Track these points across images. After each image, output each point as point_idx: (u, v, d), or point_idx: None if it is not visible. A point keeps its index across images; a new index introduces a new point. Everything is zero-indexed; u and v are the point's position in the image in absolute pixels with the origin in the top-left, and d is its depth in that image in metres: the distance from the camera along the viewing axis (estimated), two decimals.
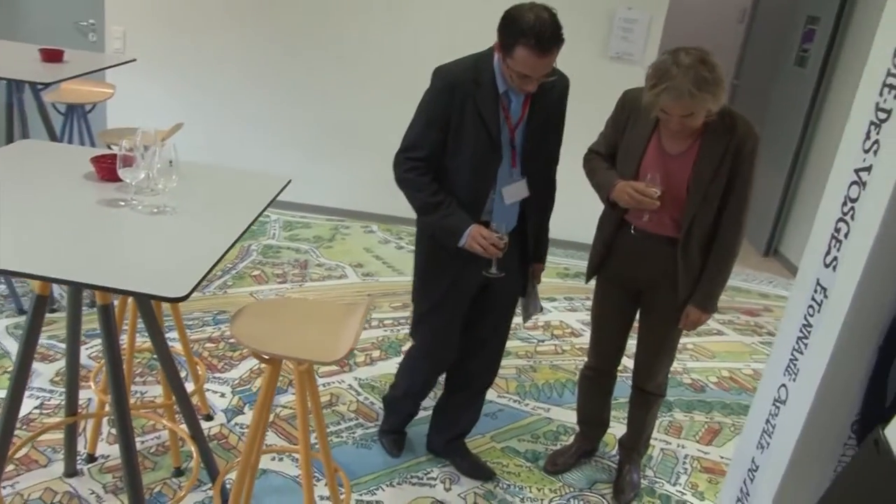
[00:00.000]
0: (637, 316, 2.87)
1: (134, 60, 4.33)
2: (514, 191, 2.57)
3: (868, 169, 1.81)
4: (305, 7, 5.19)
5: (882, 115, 1.78)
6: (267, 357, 2.07)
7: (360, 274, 4.77)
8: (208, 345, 3.69)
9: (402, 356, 3.23)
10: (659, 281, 2.68)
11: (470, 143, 2.46)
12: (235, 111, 5.46)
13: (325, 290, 4.48)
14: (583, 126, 4.89)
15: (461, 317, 2.76)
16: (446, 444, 3.08)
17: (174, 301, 1.56)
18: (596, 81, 5.19)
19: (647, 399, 2.95)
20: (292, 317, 2.21)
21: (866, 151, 1.83)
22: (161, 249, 1.88)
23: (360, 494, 2.84)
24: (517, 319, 2.94)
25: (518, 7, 2.29)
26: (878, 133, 1.79)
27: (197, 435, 2.48)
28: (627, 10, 5.04)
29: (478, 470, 3.05)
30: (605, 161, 2.72)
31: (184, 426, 2.58)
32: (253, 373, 3.51)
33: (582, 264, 5.41)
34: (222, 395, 3.32)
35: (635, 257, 2.70)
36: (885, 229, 1.73)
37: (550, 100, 2.53)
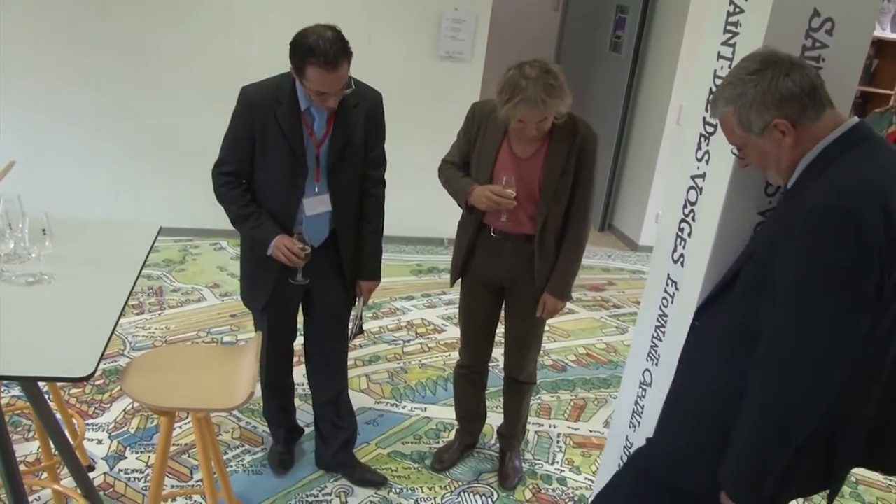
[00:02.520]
0: (502, 311, 3.05)
1: None
2: (314, 203, 2.70)
3: (703, 176, 2.05)
4: (112, 30, 4.99)
5: (710, 129, 2.02)
6: (164, 410, 2.08)
7: (218, 295, 4.72)
8: (74, 390, 3.56)
9: None
10: (520, 276, 2.87)
11: (275, 158, 2.61)
12: (56, 142, 5.17)
13: (185, 316, 4.41)
14: (422, 122, 5.11)
15: (292, 316, 2.95)
16: (334, 457, 3.16)
17: (80, 381, 1.55)
18: (429, 81, 5.39)
19: (519, 388, 3.16)
20: (182, 365, 2.22)
21: (699, 160, 2.06)
22: (48, 323, 1.85)
23: None
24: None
25: (302, 31, 2.44)
26: (707, 144, 2.03)
27: (90, 493, 2.43)
28: (454, 10, 5.22)
29: (369, 478, 3.15)
30: (459, 170, 2.87)
31: (65, 482, 2.51)
32: (127, 414, 3.44)
33: (433, 259, 5.61)
34: (100, 442, 3.23)
35: (497, 256, 2.87)
36: (723, 228, 1.98)
37: (357, 116, 2.67)
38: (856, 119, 1.70)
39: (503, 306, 3.04)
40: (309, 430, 3.30)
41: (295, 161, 2.61)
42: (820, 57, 1.90)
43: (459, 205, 2.86)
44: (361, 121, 2.68)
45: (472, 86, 5.40)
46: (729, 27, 1.99)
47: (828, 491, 1.83)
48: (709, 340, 1.87)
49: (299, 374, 3.31)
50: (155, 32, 5.06)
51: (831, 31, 1.89)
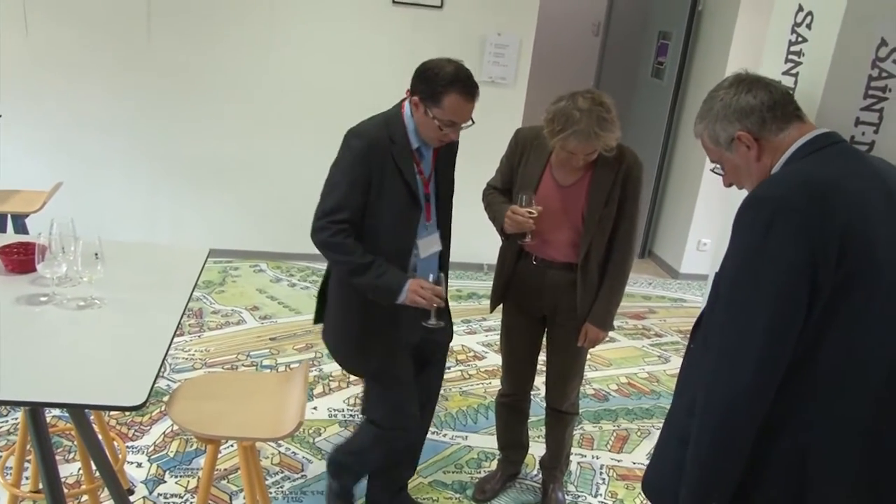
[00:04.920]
0: (544, 340, 3.00)
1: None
2: (428, 243, 2.64)
3: None
4: (156, 53, 5.06)
5: None
6: (212, 438, 2.06)
7: (257, 317, 4.72)
8: (113, 412, 3.57)
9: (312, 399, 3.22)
10: (562, 305, 2.82)
11: (393, 201, 2.45)
12: (99, 163, 5.24)
13: (225, 339, 4.41)
14: (464, 147, 5.01)
15: (412, 379, 2.70)
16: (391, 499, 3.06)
17: (132, 410, 1.54)
18: None
19: (562, 418, 3.09)
20: (229, 392, 2.20)
21: None
22: (99, 349, 1.84)
23: None
24: None
25: (432, 61, 2.39)
26: None
27: None
28: (497, 35, 5.22)
29: None
30: (501, 195, 2.85)
31: None
32: (167, 437, 3.43)
33: (473, 284, 5.57)
34: (139, 465, 3.22)
35: (538, 285, 2.82)
36: None
37: (449, 151, 2.65)
38: (823, 129, 1.70)
39: (544, 335, 2.99)
40: None
41: (412, 202, 2.49)
42: (887, 87, 1.85)
43: (497, 230, 2.84)
44: (450, 155, 2.67)
45: (515, 111, 5.39)
46: (791, 56, 1.95)
47: None
48: (697, 360, 1.80)
49: (340, 399, 3.28)
50: (198, 56, 5.11)
51: None
